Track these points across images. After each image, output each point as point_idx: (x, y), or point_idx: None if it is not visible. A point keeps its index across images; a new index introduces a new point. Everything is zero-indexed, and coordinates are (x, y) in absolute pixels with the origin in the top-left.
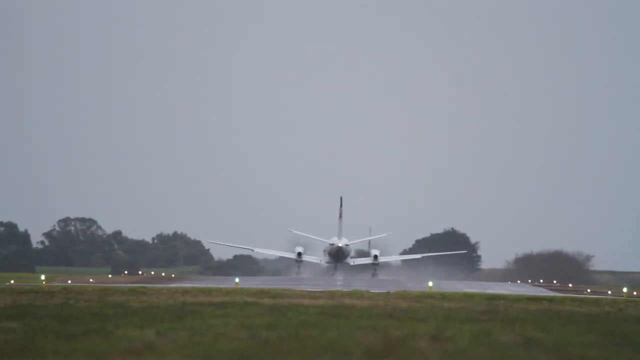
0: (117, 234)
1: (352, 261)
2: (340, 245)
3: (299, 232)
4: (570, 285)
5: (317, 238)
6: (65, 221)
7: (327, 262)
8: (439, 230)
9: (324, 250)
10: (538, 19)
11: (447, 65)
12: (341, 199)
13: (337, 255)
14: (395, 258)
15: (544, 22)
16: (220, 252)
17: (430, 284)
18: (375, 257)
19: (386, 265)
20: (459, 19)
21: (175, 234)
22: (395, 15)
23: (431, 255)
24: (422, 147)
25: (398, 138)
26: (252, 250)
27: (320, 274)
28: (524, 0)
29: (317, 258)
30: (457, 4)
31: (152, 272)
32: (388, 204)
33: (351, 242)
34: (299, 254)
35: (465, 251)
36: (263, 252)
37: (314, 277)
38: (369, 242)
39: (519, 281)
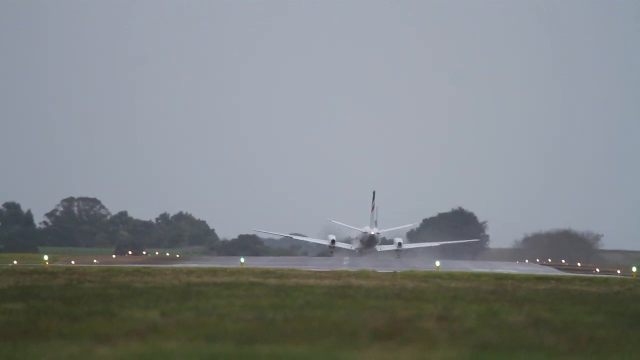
0: (123, 214)
1: (379, 248)
2: (373, 233)
3: (337, 222)
4: (579, 264)
5: (352, 227)
6: (69, 201)
7: (358, 249)
8: (447, 209)
9: (356, 238)
10: (537, 19)
11: (454, 51)
12: (374, 193)
13: (370, 243)
14: (417, 245)
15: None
16: (225, 232)
17: (438, 264)
18: (400, 244)
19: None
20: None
21: (180, 214)
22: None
23: (448, 244)
24: (430, 128)
25: (406, 120)
26: (292, 238)
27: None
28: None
29: (348, 245)
30: (456, 5)
31: (157, 253)
32: (395, 183)
33: (382, 230)
34: (333, 242)
35: (477, 240)
36: (301, 239)
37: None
38: (376, 222)
39: (527, 261)
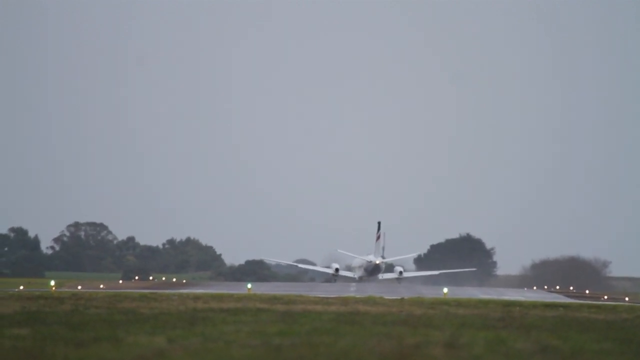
0: (130, 239)
1: (380, 276)
2: (377, 262)
3: (343, 252)
4: (587, 291)
5: (357, 256)
6: (75, 226)
7: (360, 277)
8: (454, 235)
9: (360, 266)
10: (534, 20)
11: (460, 68)
12: (379, 223)
13: (373, 271)
14: (416, 274)
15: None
16: (232, 257)
17: (445, 290)
18: (400, 272)
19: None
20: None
21: (187, 239)
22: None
23: (447, 272)
24: (437, 152)
25: (413, 142)
26: (297, 266)
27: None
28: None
29: (351, 273)
30: (455, 5)
31: (164, 278)
32: (402, 208)
33: (385, 260)
34: (337, 270)
35: (475, 269)
36: (305, 267)
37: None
38: (383, 248)
39: (535, 287)
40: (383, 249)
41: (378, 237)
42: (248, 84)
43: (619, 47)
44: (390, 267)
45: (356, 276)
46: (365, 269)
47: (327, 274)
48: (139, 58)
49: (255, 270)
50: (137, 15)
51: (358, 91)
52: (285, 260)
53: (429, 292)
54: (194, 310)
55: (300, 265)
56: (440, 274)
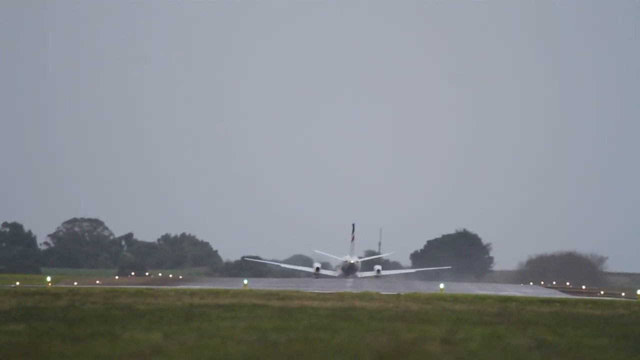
0: (129, 236)
1: (359, 274)
2: (352, 261)
3: (320, 252)
4: (583, 287)
5: (333, 256)
6: (71, 222)
7: (340, 276)
8: (451, 230)
9: (338, 266)
10: (533, 20)
11: (459, 65)
12: (353, 225)
13: (349, 270)
14: (394, 272)
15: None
16: (229, 253)
17: (442, 286)
18: (378, 271)
19: (398, 266)
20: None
21: (183, 235)
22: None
23: (423, 271)
24: (434, 148)
25: (409, 138)
26: (280, 266)
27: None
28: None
29: (332, 272)
30: (454, 5)
31: (160, 274)
32: (399, 204)
33: (360, 259)
34: (317, 269)
35: (449, 267)
36: (288, 266)
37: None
38: (379, 243)
39: (531, 283)
40: (380, 244)
41: (353, 238)
42: (240, 81)
43: (618, 48)
44: (392, 264)
45: (336, 275)
46: (342, 268)
47: (309, 272)
48: (140, 57)
49: (252, 266)
50: (141, 15)
51: (355, 91)
52: (282, 257)
53: (425, 288)
54: (190, 306)
55: (282, 265)
56: (417, 272)
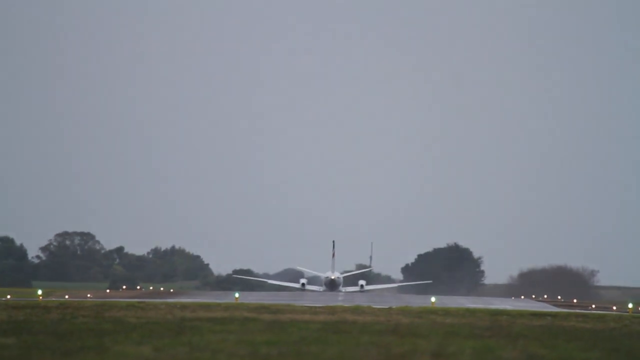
0: (120, 249)
1: (343, 289)
2: (333, 277)
3: (303, 269)
4: (574, 300)
5: (314, 272)
6: (63, 235)
7: (324, 291)
8: (442, 244)
9: (322, 282)
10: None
11: (450, 74)
12: (333, 242)
13: (331, 285)
14: (378, 287)
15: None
16: (220, 267)
17: (433, 299)
18: (362, 286)
19: (389, 280)
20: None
21: (173, 248)
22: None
23: (405, 285)
24: (425, 161)
25: (400, 151)
26: (266, 282)
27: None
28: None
29: (318, 287)
30: (453, 5)
31: (151, 287)
32: (390, 217)
33: (342, 274)
34: (303, 284)
35: (430, 281)
36: (274, 282)
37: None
38: (370, 257)
39: (522, 296)
40: (371, 258)
41: (333, 255)
42: (229, 89)
43: (617, 48)
44: (383, 277)
45: (321, 290)
46: (325, 284)
47: (296, 288)
48: (138, 56)
49: (243, 279)
50: (136, 14)
51: (347, 97)
52: (274, 270)
53: (416, 302)
54: (181, 320)
55: (269, 282)
56: (399, 286)
